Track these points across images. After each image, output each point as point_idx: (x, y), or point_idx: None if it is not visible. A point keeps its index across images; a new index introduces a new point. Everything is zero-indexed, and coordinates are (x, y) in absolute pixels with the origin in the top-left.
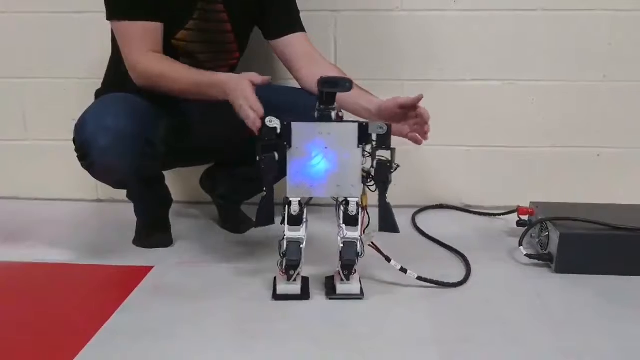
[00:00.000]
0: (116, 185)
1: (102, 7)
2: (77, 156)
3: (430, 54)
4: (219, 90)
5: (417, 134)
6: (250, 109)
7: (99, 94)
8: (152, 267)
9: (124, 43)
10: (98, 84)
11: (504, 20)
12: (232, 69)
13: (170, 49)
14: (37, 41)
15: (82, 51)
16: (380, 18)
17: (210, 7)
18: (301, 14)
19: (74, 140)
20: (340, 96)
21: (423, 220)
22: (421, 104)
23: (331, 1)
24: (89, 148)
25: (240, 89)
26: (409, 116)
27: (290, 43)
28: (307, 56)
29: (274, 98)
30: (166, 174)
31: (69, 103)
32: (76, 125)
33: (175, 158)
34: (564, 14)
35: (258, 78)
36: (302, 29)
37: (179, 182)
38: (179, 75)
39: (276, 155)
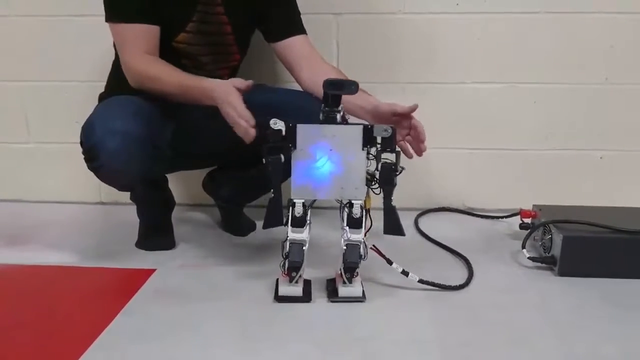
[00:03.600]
0: (122, 188)
1: (103, 10)
2: (84, 158)
3: (432, 57)
4: (206, 95)
5: (408, 146)
6: (239, 117)
7: (102, 97)
8: (154, 270)
9: (120, 45)
10: (99, 87)
11: (506, 22)
12: (234, 70)
13: (171, 51)
14: (39, 44)
15: (83, 54)
16: (383, 21)
17: (210, 9)
18: (303, 17)
19: (81, 143)
20: None
21: (426, 223)
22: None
23: (333, 4)
24: (98, 151)
25: (227, 96)
26: (402, 125)
27: (291, 45)
28: (308, 58)
29: (273, 99)
30: (169, 176)
31: (71, 106)
32: (83, 128)
33: (179, 161)
34: (565, 17)
35: (242, 84)
36: (303, 31)
37: (181, 184)
38: (169, 78)
39: (282, 157)
